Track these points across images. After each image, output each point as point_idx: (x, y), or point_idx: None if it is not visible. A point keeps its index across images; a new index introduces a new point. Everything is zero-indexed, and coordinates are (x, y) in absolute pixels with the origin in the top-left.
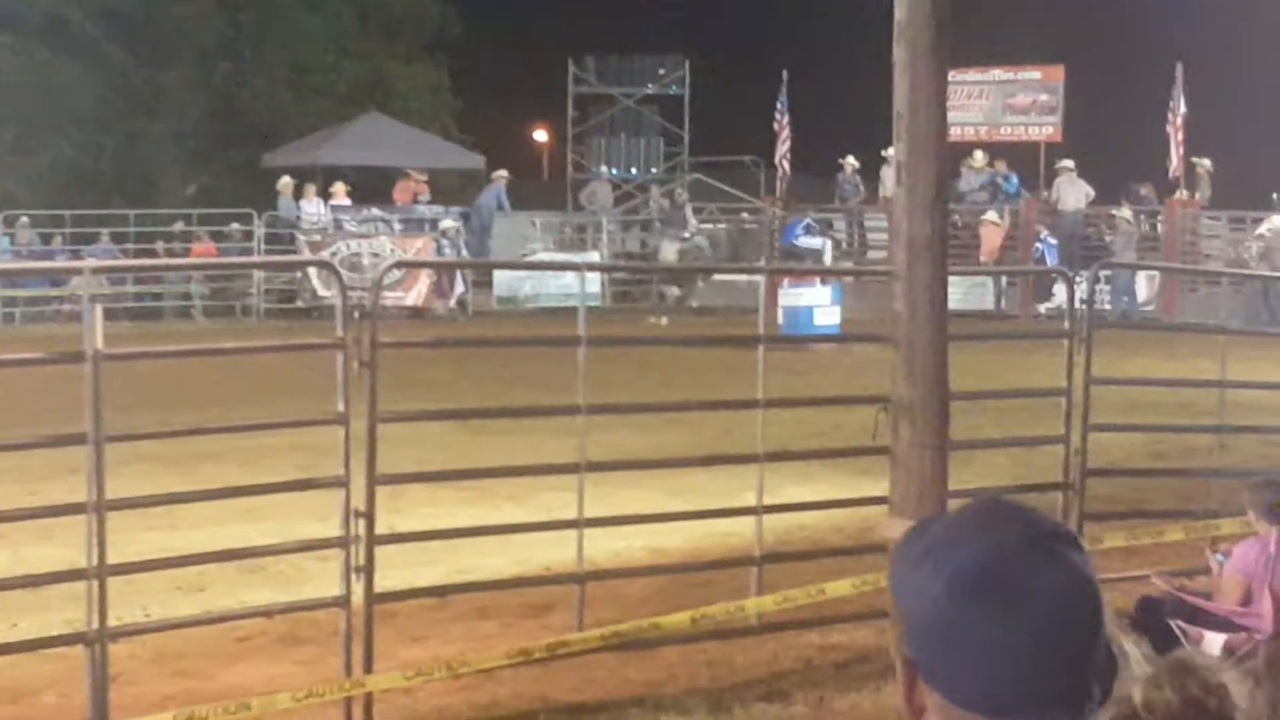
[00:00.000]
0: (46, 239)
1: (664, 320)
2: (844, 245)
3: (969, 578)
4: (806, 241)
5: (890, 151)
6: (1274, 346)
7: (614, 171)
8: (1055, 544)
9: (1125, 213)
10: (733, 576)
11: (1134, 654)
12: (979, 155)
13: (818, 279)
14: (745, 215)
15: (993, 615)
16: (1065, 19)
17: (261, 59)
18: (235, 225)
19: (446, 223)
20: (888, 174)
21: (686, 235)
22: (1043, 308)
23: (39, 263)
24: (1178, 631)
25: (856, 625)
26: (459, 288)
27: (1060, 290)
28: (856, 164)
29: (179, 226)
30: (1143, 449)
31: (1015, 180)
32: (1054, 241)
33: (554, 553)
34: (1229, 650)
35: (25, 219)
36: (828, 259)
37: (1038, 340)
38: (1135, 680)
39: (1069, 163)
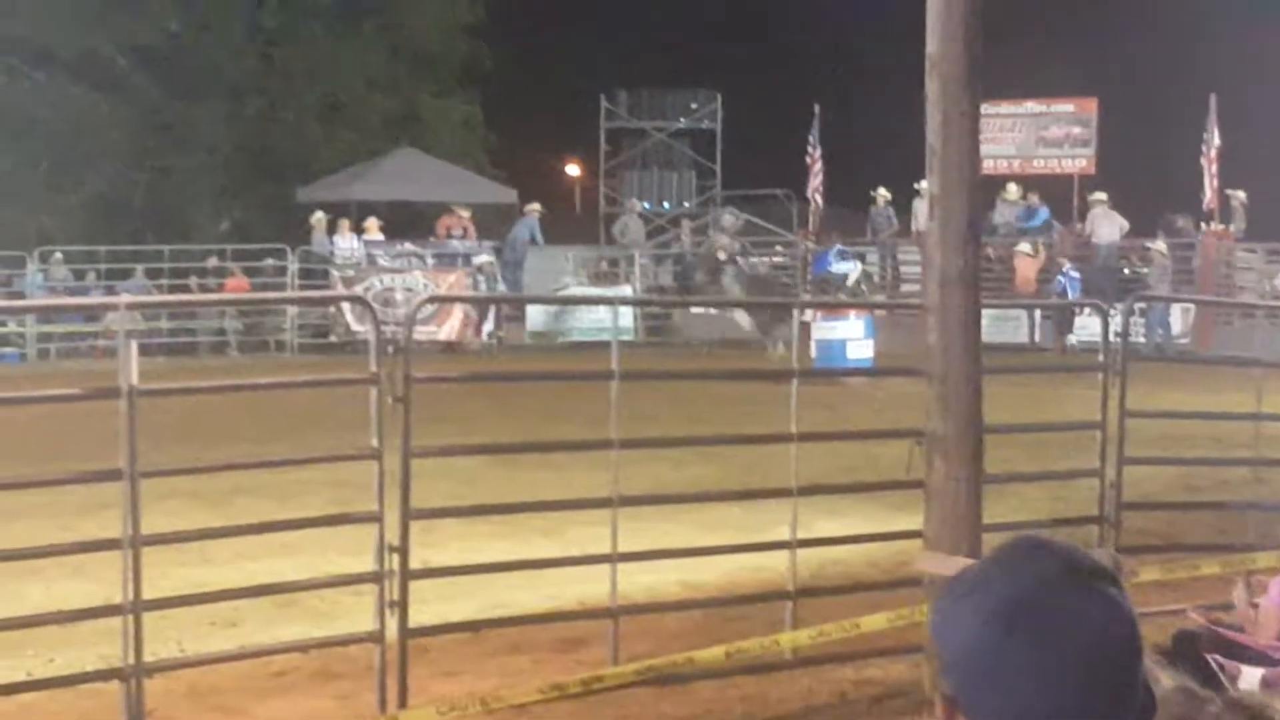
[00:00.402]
0: (80, 275)
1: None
2: (876, 278)
3: (1009, 612)
4: (840, 266)
5: (923, 185)
6: None
7: (646, 205)
8: (1095, 580)
9: (1160, 245)
10: (767, 611)
11: (1169, 688)
12: (1013, 188)
13: (851, 312)
14: (779, 248)
15: (1032, 649)
16: (1098, 51)
17: (293, 93)
18: (269, 260)
19: (482, 258)
20: (920, 207)
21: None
22: (1071, 339)
23: (74, 299)
24: (1214, 666)
25: (891, 660)
26: (488, 325)
27: (1085, 322)
28: (889, 196)
29: (213, 262)
30: (1178, 482)
31: (1044, 213)
32: (1077, 275)
33: (587, 587)
34: (1267, 684)
35: (59, 255)
36: (852, 279)
37: (1071, 373)
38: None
39: (1102, 195)
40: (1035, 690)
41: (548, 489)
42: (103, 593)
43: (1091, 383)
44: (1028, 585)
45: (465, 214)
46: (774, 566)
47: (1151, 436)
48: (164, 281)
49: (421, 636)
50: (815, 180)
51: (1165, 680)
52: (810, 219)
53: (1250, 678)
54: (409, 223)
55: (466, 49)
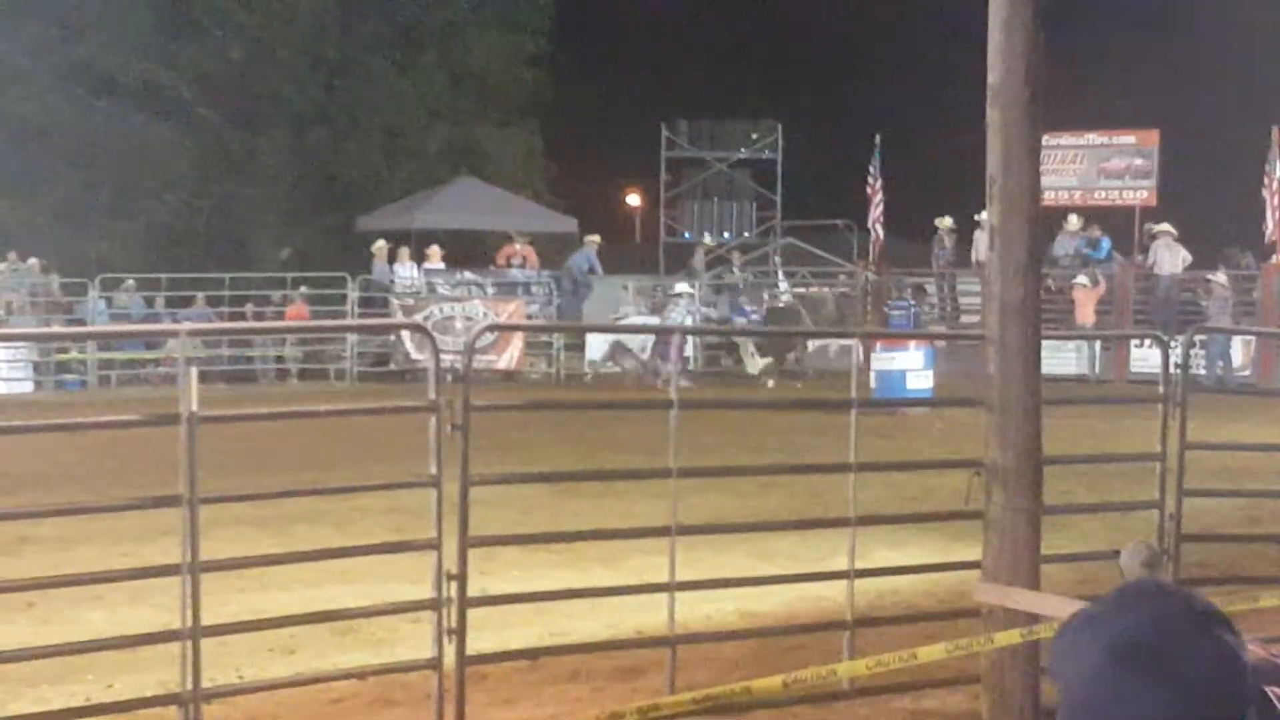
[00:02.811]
0: (149, 302)
1: (770, 383)
2: (936, 310)
3: (1126, 646)
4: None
5: (983, 216)
6: None
7: (706, 235)
8: (1210, 623)
9: (1220, 277)
10: (824, 640)
11: None
12: (1074, 219)
13: (910, 343)
14: (843, 278)
15: (1145, 685)
16: (1160, 83)
17: (355, 123)
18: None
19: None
20: (980, 238)
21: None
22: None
23: (135, 326)
24: (1274, 700)
25: (949, 690)
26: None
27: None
28: (953, 225)
29: (278, 294)
30: (1238, 515)
31: (1106, 244)
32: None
33: (645, 616)
34: None
35: (131, 282)
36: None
37: (1130, 405)
38: None
39: (1167, 226)
40: None
41: (606, 518)
42: (162, 618)
43: (1150, 415)
44: (1146, 621)
45: (524, 243)
46: (832, 596)
47: (1212, 469)
48: (224, 309)
49: (479, 664)
50: (876, 210)
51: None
52: (870, 249)
53: None
54: (469, 252)
55: (528, 79)
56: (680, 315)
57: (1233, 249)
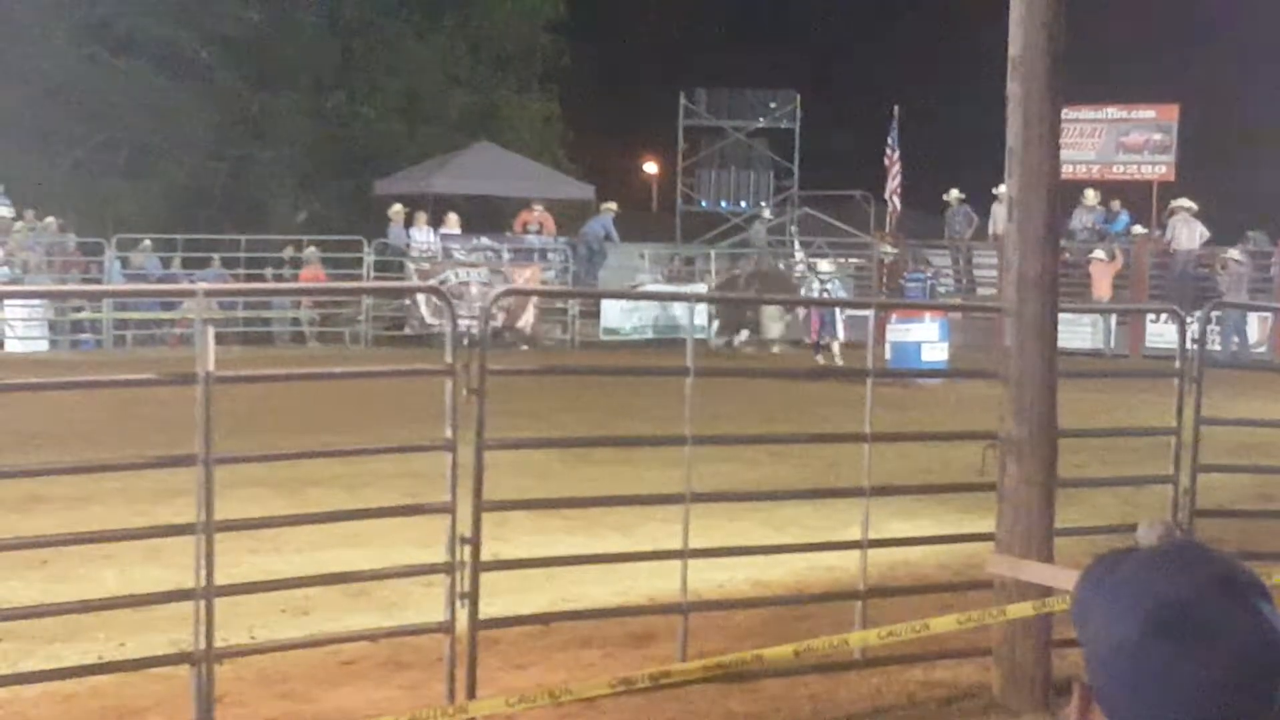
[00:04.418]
0: (166, 262)
1: (776, 349)
2: (951, 283)
3: (1167, 613)
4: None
5: (1001, 189)
6: None
7: (724, 204)
8: (1250, 593)
9: (1235, 254)
10: (836, 610)
11: None
12: (1091, 193)
13: (926, 315)
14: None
15: (1184, 653)
16: (1181, 58)
17: (373, 87)
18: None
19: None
20: (998, 211)
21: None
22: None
23: (151, 285)
24: None
25: (961, 661)
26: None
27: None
28: (962, 196)
29: (289, 252)
30: (1252, 491)
31: (1124, 217)
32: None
33: (657, 583)
34: None
35: (148, 243)
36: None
37: (1145, 379)
38: None
39: (1186, 202)
40: (1181, 692)
41: (619, 484)
42: (175, 578)
43: (1165, 389)
44: (1187, 588)
45: (541, 209)
46: (844, 566)
47: (1227, 445)
48: (240, 271)
49: (491, 628)
50: (893, 182)
51: None
52: (888, 221)
53: None
54: (486, 217)
55: (547, 45)
56: (837, 291)
57: (1257, 232)
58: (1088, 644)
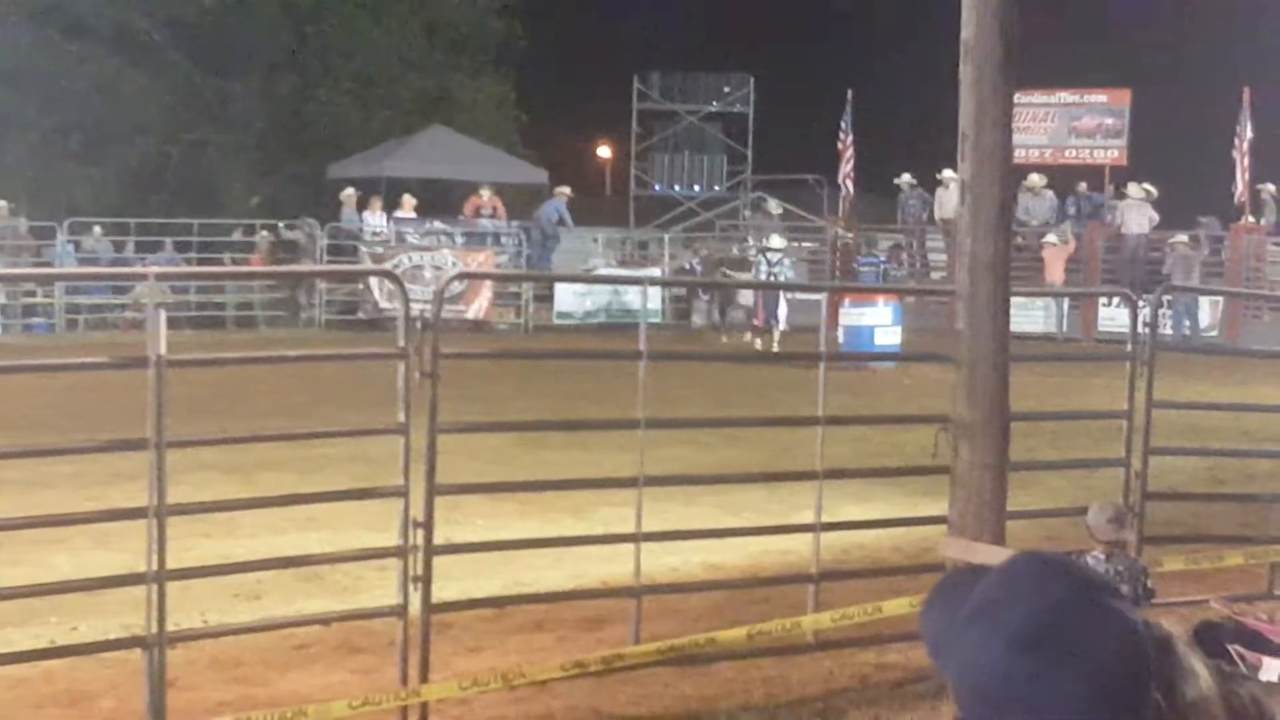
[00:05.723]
0: (116, 247)
1: (724, 338)
2: (905, 265)
3: (1029, 636)
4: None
5: (946, 174)
6: None
7: (677, 188)
8: (1102, 597)
9: (1181, 237)
10: (789, 594)
11: (1202, 674)
12: (1035, 178)
13: (879, 299)
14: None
15: (1052, 671)
16: (1132, 43)
17: (327, 71)
18: (297, 233)
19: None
20: (944, 195)
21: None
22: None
23: (102, 268)
24: (1236, 657)
25: (913, 645)
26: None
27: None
28: (914, 181)
29: (238, 236)
30: (1203, 474)
31: (1097, 197)
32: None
33: (611, 567)
34: None
35: (99, 229)
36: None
37: (1097, 363)
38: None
39: (1148, 186)
40: (1054, 710)
41: (574, 468)
42: (127, 562)
43: (1117, 373)
44: (1043, 607)
45: (488, 194)
46: (798, 550)
47: (1178, 428)
48: (193, 255)
49: (444, 612)
50: (847, 166)
51: (1199, 668)
52: (841, 205)
53: (1272, 669)
54: (439, 201)
55: (500, 29)
56: (785, 271)
57: (1209, 218)
58: (953, 676)
